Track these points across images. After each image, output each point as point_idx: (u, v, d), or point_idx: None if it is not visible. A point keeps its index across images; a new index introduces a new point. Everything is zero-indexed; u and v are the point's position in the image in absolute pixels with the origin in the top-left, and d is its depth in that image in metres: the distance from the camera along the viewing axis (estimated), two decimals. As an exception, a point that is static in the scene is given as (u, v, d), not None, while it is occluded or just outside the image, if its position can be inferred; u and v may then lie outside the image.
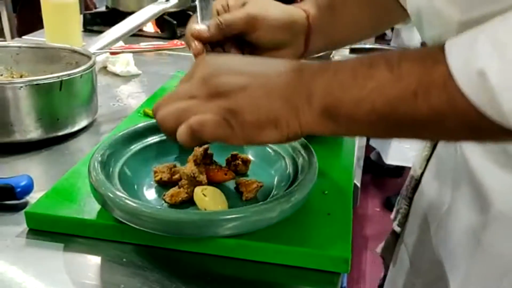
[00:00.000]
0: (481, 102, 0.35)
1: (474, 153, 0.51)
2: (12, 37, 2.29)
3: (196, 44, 0.56)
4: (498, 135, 0.37)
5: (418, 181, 0.65)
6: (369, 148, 2.50)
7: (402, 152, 2.26)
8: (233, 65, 0.45)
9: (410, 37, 2.23)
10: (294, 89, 0.43)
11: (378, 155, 2.51)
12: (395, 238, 0.72)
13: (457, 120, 0.37)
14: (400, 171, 2.56)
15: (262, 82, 0.43)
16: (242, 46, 0.61)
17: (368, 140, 2.42)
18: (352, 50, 1.12)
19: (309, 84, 0.42)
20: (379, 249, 0.76)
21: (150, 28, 1.38)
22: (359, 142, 0.84)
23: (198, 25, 0.57)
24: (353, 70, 0.41)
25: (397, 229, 0.69)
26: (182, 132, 0.43)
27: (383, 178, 2.57)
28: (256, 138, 0.43)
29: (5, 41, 2.12)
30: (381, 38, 2.58)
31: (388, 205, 2.34)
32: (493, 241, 0.48)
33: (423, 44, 0.48)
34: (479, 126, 0.37)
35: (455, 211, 0.54)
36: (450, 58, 0.36)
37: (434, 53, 0.38)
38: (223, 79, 0.43)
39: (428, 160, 0.64)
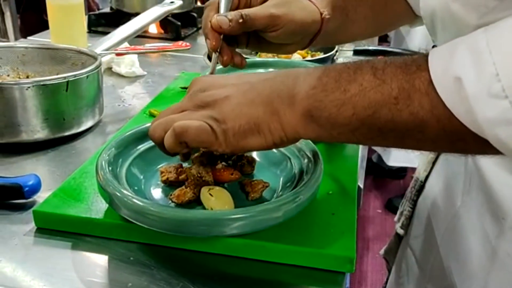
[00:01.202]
0: (457, 110, 0.35)
1: (486, 160, 0.50)
2: (16, 38, 2.30)
3: (214, 38, 0.55)
4: (478, 146, 0.36)
5: (422, 184, 0.65)
6: (370, 150, 2.51)
7: (404, 152, 2.26)
8: (220, 80, 0.47)
9: (410, 38, 2.23)
10: (276, 93, 0.43)
11: (380, 157, 2.51)
12: (398, 241, 0.72)
13: (438, 128, 0.37)
14: (402, 173, 2.57)
15: (244, 90, 0.45)
16: (249, 38, 0.61)
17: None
18: (356, 52, 1.13)
19: (292, 88, 0.43)
20: (382, 251, 0.77)
21: (154, 29, 1.38)
22: (362, 144, 0.84)
23: (219, 15, 0.55)
24: (338, 74, 0.41)
25: (400, 231, 0.69)
26: (167, 136, 0.45)
27: (385, 180, 2.57)
28: (239, 145, 0.44)
29: (9, 42, 2.13)
30: (383, 40, 2.59)
31: (389, 207, 2.34)
32: (510, 251, 0.48)
33: (434, 47, 0.48)
34: (459, 136, 0.36)
35: (465, 218, 0.53)
36: (431, 65, 0.37)
37: (418, 60, 0.38)
38: (208, 92, 0.46)
39: (434, 163, 0.63)
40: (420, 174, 0.65)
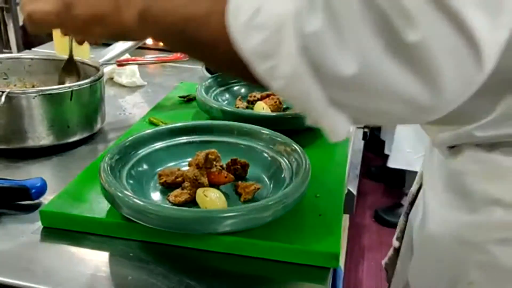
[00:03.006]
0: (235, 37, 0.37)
1: (468, 166, 0.51)
2: (18, 49, 2.34)
3: None
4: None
5: (415, 197, 0.68)
6: (375, 158, 2.49)
7: (404, 155, 2.22)
8: None
9: None
10: None
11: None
12: (397, 252, 0.74)
13: (225, 51, 0.38)
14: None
15: None
16: None
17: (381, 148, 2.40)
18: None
19: None
20: (383, 262, 0.79)
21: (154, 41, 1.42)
22: (353, 148, 0.87)
23: None
24: None
25: (396, 243, 0.71)
26: (24, 19, 0.53)
27: (383, 187, 2.56)
28: (85, 32, 0.52)
29: (11, 52, 2.17)
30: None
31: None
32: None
33: None
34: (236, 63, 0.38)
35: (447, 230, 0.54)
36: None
37: None
38: None
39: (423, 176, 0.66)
40: (413, 187, 0.68)
